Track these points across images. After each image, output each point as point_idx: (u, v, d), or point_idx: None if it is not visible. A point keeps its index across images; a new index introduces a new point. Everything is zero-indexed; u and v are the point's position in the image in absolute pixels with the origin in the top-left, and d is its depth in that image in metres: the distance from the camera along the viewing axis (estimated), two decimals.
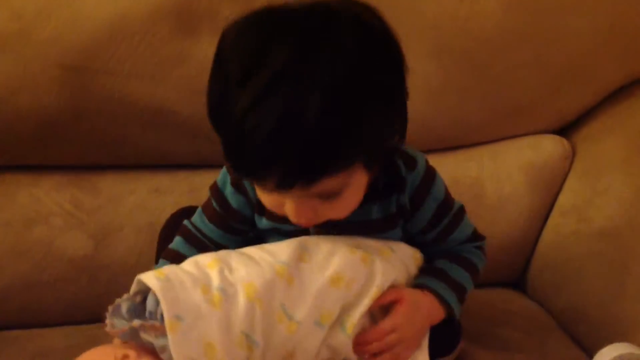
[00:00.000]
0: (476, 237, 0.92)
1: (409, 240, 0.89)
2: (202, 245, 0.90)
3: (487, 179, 1.18)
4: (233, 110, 0.65)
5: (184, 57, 1.04)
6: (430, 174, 0.86)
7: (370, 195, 0.81)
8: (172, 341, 0.69)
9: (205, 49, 1.03)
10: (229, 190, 0.87)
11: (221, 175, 0.89)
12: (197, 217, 0.92)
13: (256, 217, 0.88)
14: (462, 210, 0.90)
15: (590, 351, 0.93)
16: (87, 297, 1.07)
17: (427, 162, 0.86)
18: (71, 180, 1.10)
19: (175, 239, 0.92)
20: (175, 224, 0.96)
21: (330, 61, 0.65)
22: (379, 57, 0.69)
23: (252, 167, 0.69)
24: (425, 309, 0.83)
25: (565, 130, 1.24)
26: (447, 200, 0.88)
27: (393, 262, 0.83)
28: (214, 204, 0.89)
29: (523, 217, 1.18)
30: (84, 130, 1.06)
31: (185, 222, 0.93)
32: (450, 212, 0.88)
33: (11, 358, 0.95)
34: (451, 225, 0.88)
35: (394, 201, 0.84)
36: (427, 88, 1.12)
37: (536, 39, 1.13)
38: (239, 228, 0.90)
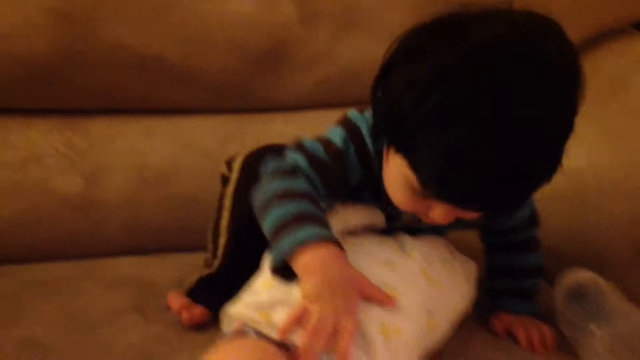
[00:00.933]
0: (533, 220, 0.96)
1: None
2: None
3: None
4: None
5: (174, 5, 1.08)
6: None
7: None
8: None
9: None
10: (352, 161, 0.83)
11: (342, 142, 0.82)
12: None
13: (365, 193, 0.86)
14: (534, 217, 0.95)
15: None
16: (80, 232, 1.12)
17: None
18: (64, 123, 1.14)
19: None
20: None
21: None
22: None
23: (475, 198, 0.70)
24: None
25: None
26: (535, 214, 0.95)
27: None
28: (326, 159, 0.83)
29: None
30: (75, 75, 1.10)
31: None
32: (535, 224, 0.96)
33: (6, 286, 1.00)
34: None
35: None
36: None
37: None
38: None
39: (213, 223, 0.94)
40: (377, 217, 0.86)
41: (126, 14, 1.08)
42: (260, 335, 0.72)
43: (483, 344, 0.88)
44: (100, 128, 1.15)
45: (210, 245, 0.95)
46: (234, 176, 0.93)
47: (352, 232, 0.84)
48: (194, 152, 1.16)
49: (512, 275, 0.95)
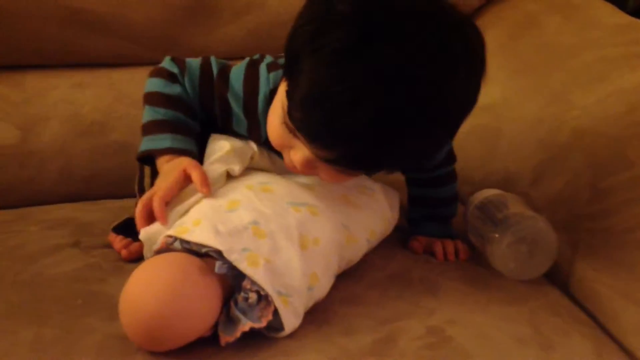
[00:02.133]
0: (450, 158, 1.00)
1: None
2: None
3: None
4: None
5: None
6: None
7: None
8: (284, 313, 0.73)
9: None
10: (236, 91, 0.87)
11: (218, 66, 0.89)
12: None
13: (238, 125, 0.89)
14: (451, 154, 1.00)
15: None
16: (18, 181, 1.15)
17: None
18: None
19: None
20: None
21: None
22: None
23: (340, 144, 0.70)
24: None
25: None
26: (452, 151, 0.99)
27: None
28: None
29: None
30: (4, 29, 1.13)
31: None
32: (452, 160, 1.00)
33: None
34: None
35: None
36: None
37: None
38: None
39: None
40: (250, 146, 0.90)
41: None
42: (186, 250, 0.76)
43: (402, 258, 0.95)
44: (34, 81, 1.18)
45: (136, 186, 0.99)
46: None
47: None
48: (125, 103, 1.19)
49: (429, 205, 1.01)
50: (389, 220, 0.94)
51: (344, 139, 0.69)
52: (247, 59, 0.88)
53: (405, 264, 0.93)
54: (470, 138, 1.17)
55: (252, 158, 0.87)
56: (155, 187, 0.80)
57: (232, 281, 0.74)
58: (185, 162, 0.81)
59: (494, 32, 1.28)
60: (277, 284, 0.74)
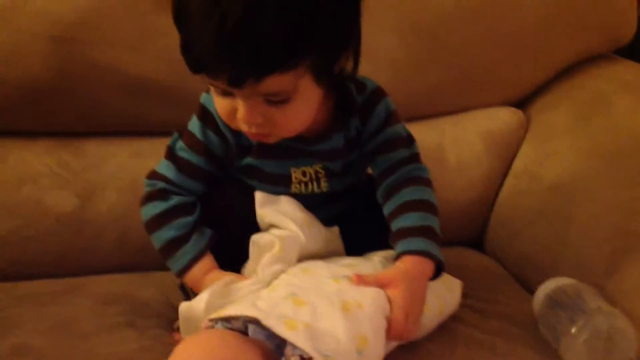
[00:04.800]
0: (411, 140, 0.96)
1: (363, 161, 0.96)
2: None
3: (448, 145, 1.27)
4: (194, 4, 0.72)
5: (164, 30, 1.11)
6: (379, 91, 0.92)
7: (333, 126, 0.89)
8: None
9: None
10: (208, 135, 0.90)
11: (192, 123, 0.92)
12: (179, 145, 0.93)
13: (237, 158, 0.92)
14: (410, 136, 0.96)
15: None
16: (73, 250, 1.14)
17: (379, 86, 0.92)
18: (58, 145, 1.17)
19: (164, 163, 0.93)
20: None
21: None
22: None
23: (206, 60, 0.73)
24: (417, 272, 0.85)
25: (521, 103, 1.33)
26: (395, 114, 0.93)
27: None
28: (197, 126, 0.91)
29: (481, 180, 1.27)
30: (70, 98, 1.14)
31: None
32: (396, 125, 0.93)
33: (1, 300, 1.02)
34: (397, 138, 0.93)
35: (352, 126, 0.91)
36: (390, 61, 1.21)
37: (490, 14, 1.23)
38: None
39: None
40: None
41: (119, 38, 1.12)
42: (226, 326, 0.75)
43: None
44: (93, 149, 1.18)
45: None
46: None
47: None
48: None
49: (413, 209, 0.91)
50: (445, 299, 0.92)
51: (220, 50, 0.71)
52: (197, 119, 0.92)
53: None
54: (540, 221, 1.14)
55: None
56: None
57: (275, 352, 0.71)
58: (227, 280, 0.85)
59: (563, 111, 1.25)
60: (321, 347, 0.70)
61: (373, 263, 0.89)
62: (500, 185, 1.28)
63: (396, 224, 0.89)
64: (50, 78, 1.11)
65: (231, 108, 0.80)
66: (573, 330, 0.84)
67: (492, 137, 1.28)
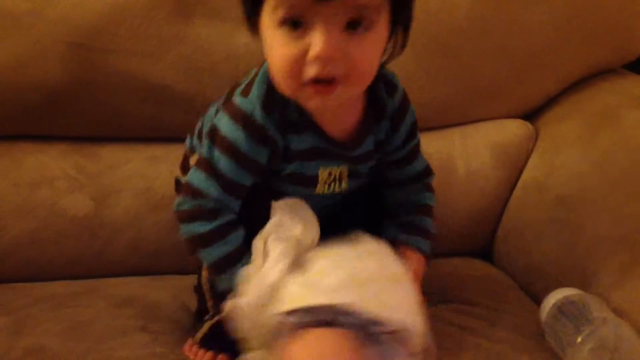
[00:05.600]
0: (429, 171, 1.00)
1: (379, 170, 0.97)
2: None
3: (457, 156, 1.28)
4: None
5: (180, 37, 1.14)
6: (407, 97, 0.93)
7: (365, 129, 0.89)
8: None
9: (199, 31, 1.15)
10: (259, 114, 0.84)
11: (232, 132, 0.84)
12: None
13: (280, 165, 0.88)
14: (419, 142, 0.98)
15: None
16: (88, 252, 1.16)
17: (404, 90, 0.93)
18: (75, 149, 1.19)
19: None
20: None
21: None
22: None
23: None
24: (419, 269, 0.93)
25: (530, 116, 1.34)
26: (417, 124, 0.95)
27: None
28: (242, 139, 0.84)
29: (490, 190, 1.28)
30: (87, 103, 1.16)
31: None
32: (417, 135, 0.96)
33: (15, 302, 1.04)
34: (416, 148, 0.97)
35: (383, 129, 0.91)
36: (402, 73, 1.21)
37: (501, 28, 1.24)
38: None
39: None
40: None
41: (137, 46, 1.13)
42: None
43: None
44: (109, 153, 1.20)
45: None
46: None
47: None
48: None
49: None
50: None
51: None
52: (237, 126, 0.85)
53: None
54: (548, 232, 1.15)
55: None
56: None
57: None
58: None
59: (571, 124, 1.26)
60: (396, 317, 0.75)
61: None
62: (509, 196, 1.29)
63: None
64: (67, 83, 1.13)
65: (298, 52, 0.74)
66: (579, 339, 0.86)
67: (501, 149, 1.29)
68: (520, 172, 1.29)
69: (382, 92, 0.89)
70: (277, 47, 0.76)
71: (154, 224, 1.17)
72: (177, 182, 1.05)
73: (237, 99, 0.85)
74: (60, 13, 1.10)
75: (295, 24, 0.74)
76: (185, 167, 1.03)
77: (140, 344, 0.91)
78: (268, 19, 0.76)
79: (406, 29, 0.83)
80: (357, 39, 0.74)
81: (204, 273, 0.94)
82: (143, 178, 1.19)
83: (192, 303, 1.00)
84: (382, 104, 0.89)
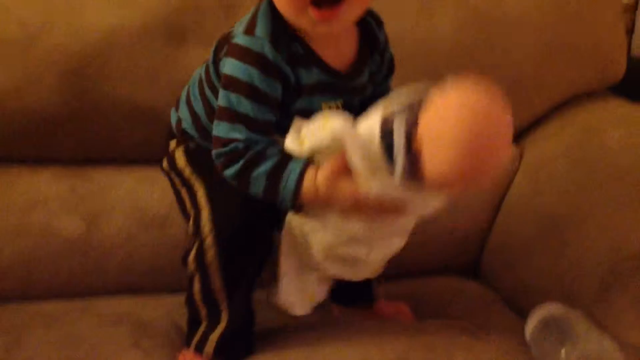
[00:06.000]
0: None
1: None
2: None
3: None
4: None
5: (173, 63, 1.17)
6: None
7: (361, 61, 0.93)
8: None
9: (191, 57, 1.17)
10: (269, 51, 0.84)
11: (246, 73, 0.84)
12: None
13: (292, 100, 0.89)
14: None
15: None
16: (81, 272, 1.17)
17: None
18: (67, 171, 1.21)
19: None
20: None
21: None
22: None
23: None
24: None
25: (516, 136, 1.36)
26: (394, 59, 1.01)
27: None
28: (257, 77, 0.84)
29: (474, 209, 1.30)
30: (80, 127, 1.18)
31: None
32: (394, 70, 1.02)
33: (9, 321, 1.05)
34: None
35: (375, 61, 0.96)
36: None
37: (485, 53, 1.28)
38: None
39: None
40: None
41: (129, 71, 1.16)
42: None
43: None
44: (101, 175, 1.22)
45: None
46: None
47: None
48: None
49: None
50: None
51: None
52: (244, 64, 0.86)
53: None
54: (533, 248, 1.18)
55: None
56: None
57: None
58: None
59: (556, 142, 1.30)
60: None
61: None
62: (494, 214, 1.31)
63: None
64: (61, 108, 1.15)
65: None
66: (562, 353, 0.87)
67: None
68: (505, 191, 1.31)
69: (373, 26, 0.94)
70: None
71: (146, 243, 1.19)
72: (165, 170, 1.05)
73: (242, 39, 0.85)
74: (55, 41, 1.13)
75: None
76: (168, 151, 1.04)
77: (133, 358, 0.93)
78: None
79: None
80: None
81: (196, 285, 0.94)
82: (135, 198, 1.21)
83: (185, 320, 1.00)
84: (373, 36, 0.94)
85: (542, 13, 1.30)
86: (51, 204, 1.18)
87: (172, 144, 1.02)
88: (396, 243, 0.93)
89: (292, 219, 0.92)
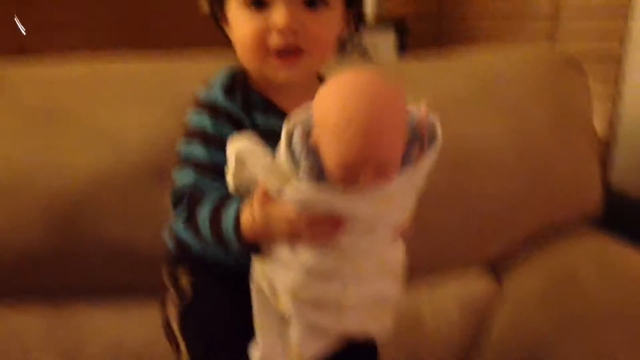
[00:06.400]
0: None
1: None
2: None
3: (425, 310, 1.32)
4: None
5: (158, 204, 1.16)
6: None
7: None
8: None
9: None
10: (220, 99, 0.89)
11: (199, 120, 0.90)
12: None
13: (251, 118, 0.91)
14: None
15: None
16: None
17: None
18: (47, 305, 1.22)
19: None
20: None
21: None
22: None
23: None
24: None
25: (496, 267, 1.39)
26: None
27: None
28: (208, 122, 0.89)
29: (457, 344, 1.31)
30: (64, 265, 1.20)
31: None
32: None
33: None
34: None
35: None
36: None
37: (462, 198, 1.31)
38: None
39: None
40: None
41: (118, 212, 1.19)
42: None
43: None
44: (82, 310, 1.22)
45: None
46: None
47: None
48: None
49: None
50: None
51: None
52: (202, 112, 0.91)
53: None
54: None
55: None
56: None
57: None
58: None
59: (534, 279, 1.32)
60: None
61: None
62: (478, 348, 1.31)
63: None
64: (48, 248, 1.17)
65: (263, 26, 0.85)
66: None
67: (467, 305, 1.33)
68: (487, 326, 1.32)
69: None
70: (243, 24, 0.87)
71: None
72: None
73: (200, 94, 0.92)
74: (44, 181, 1.17)
75: (259, 4, 0.85)
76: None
77: None
78: (235, 2, 0.87)
79: (359, 11, 0.95)
80: (315, 15, 0.86)
81: (172, 315, 0.95)
82: (114, 333, 1.21)
83: None
84: None
85: (517, 151, 1.35)
86: (28, 338, 1.18)
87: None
88: (382, 284, 0.86)
89: (255, 267, 0.89)
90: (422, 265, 1.33)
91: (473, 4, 1.95)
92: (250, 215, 0.83)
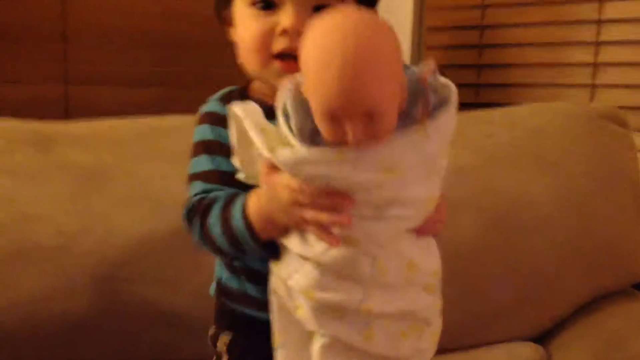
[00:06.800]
0: None
1: None
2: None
3: None
4: None
5: (198, 266, 1.19)
6: None
7: None
8: None
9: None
10: (217, 107, 0.89)
11: (200, 132, 0.89)
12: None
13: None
14: None
15: None
16: None
17: None
18: None
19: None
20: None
21: None
22: None
23: None
24: None
25: (542, 338, 1.36)
26: None
27: None
28: (206, 129, 0.88)
29: None
30: (105, 331, 1.20)
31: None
32: None
33: None
34: None
35: None
36: None
37: (505, 255, 1.30)
38: None
39: None
40: None
41: (158, 275, 1.20)
42: None
43: None
44: None
45: None
46: None
47: None
48: None
49: None
50: None
51: None
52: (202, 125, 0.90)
53: None
54: None
55: None
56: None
57: None
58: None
59: (581, 350, 1.28)
60: None
61: None
62: None
63: None
64: (89, 313, 1.18)
65: (269, 26, 0.82)
66: None
67: None
68: None
69: None
70: (248, 23, 0.84)
71: None
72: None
73: (203, 108, 0.91)
74: (89, 248, 1.18)
75: (267, 5, 0.82)
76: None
77: None
78: (242, 1, 0.84)
79: None
80: None
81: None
82: None
83: None
84: None
85: (561, 216, 1.34)
86: None
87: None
88: (412, 295, 0.78)
89: (273, 274, 0.82)
90: (466, 337, 1.32)
91: (513, 54, 1.94)
92: (255, 196, 0.80)
